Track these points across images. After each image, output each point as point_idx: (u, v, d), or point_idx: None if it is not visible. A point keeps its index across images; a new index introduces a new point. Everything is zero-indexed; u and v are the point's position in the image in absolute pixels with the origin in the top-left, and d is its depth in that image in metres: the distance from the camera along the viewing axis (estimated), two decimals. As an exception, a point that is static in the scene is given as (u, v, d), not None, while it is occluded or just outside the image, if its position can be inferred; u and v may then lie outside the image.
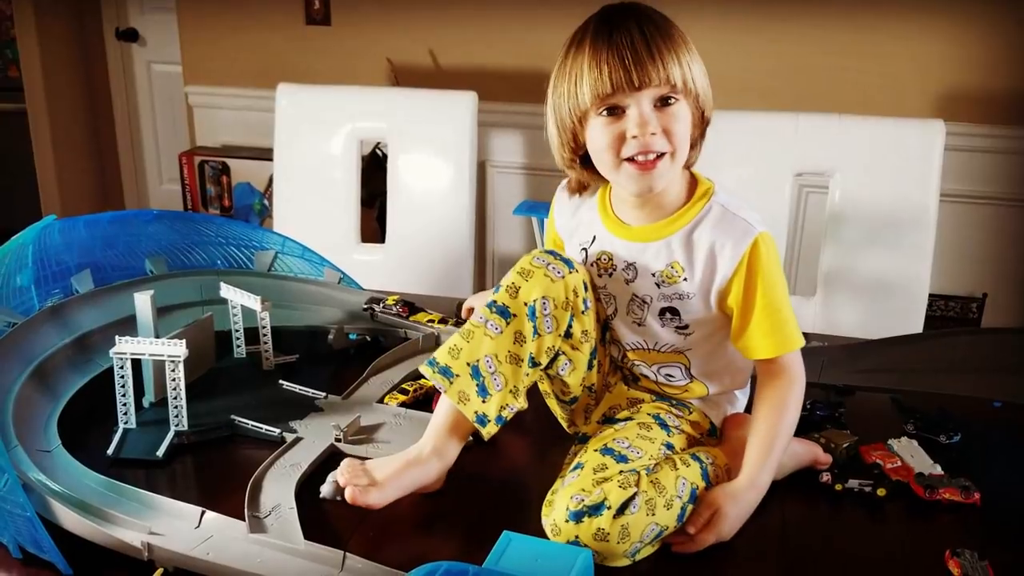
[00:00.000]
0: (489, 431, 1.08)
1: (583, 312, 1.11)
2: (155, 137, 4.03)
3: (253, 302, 1.34)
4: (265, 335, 1.37)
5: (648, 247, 1.10)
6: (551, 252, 1.11)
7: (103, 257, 1.41)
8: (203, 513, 1.01)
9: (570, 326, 1.10)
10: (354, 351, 1.49)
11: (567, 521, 0.95)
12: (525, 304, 1.06)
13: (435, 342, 1.48)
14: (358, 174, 2.15)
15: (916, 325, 1.83)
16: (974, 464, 1.16)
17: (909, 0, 2.52)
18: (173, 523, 1.00)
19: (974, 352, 1.32)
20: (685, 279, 1.08)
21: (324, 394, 1.31)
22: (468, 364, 1.06)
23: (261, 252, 1.56)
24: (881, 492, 1.09)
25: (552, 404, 1.21)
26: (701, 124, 1.09)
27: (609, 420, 1.15)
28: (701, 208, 1.08)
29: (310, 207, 2.16)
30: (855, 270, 1.85)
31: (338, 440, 1.19)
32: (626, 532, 0.94)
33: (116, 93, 4.02)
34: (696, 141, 1.10)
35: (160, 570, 0.86)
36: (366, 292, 1.59)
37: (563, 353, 1.12)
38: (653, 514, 0.96)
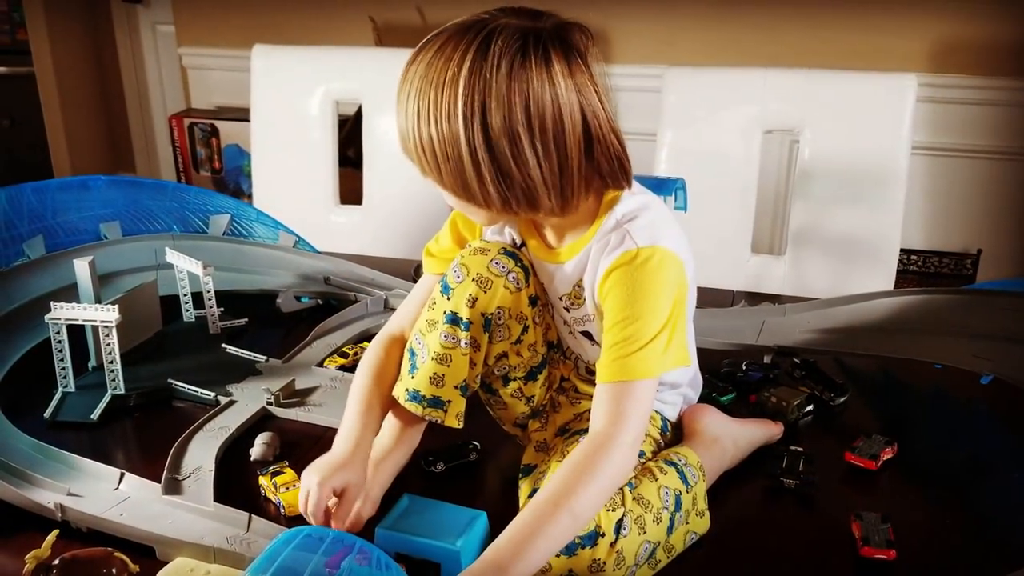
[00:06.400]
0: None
1: (535, 324, 1.04)
2: (162, 98, 4.05)
3: (196, 266, 1.36)
4: (210, 299, 1.39)
5: (558, 269, 1.01)
6: (509, 253, 1.01)
7: (56, 223, 1.43)
8: (122, 475, 1.03)
9: (522, 335, 1.03)
10: (306, 314, 1.50)
11: (558, 556, 0.87)
12: (483, 315, 1.00)
13: (383, 305, 1.49)
14: (335, 135, 2.14)
15: (887, 282, 1.81)
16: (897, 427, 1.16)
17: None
18: (93, 485, 1.03)
19: (916, 313, 1.30)
20: (585, 300, 1.00)
21: (265, 358, 1.33)
22: (456, 387, 1.02)
23: (216, 216, 1.57)
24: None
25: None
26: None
27: (564, 431, 1.07)
28: (600, 223, 0.97)
29: (288, 169, 2.16)
30: (825, 227, 1.83)
31: (269, 403, 1.21)
32: (621, 558, 0.88)
33: (123, 55, 4.04)
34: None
35: (55, 532, 0.88)
36: (322, 256, 1.61)
37: (507, 356, 1.04)
38: (644, 532, 0.91)
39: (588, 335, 1.03)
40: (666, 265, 0.93)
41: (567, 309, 1.03)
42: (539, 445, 1.07)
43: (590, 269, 0.97)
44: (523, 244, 1.04)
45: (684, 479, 0.98)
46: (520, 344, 1.04)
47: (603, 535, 0.88)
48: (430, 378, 1.01)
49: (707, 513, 0.99)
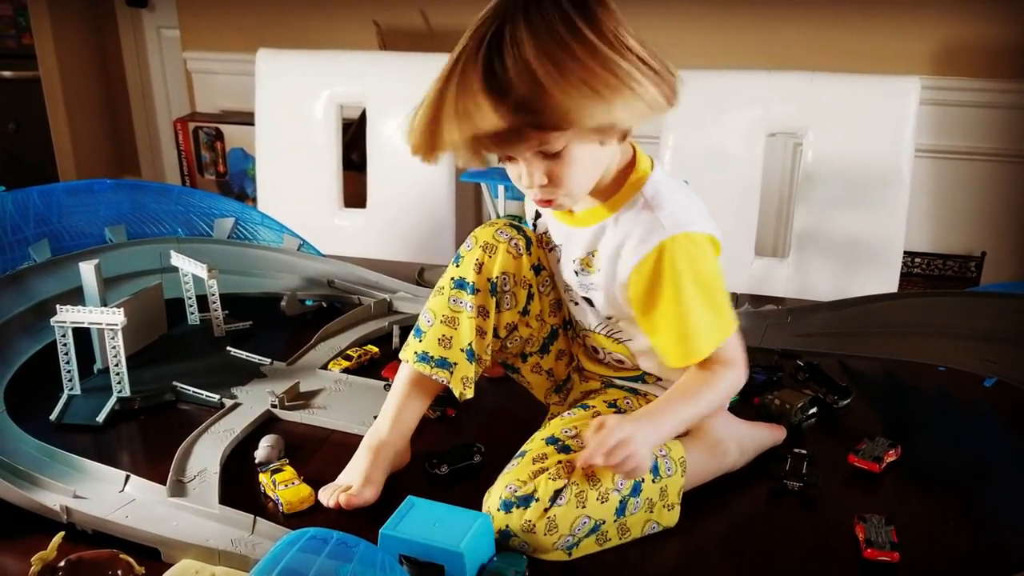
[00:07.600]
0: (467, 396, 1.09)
1: (540, 293, 1.11)
2: (167, 101, 4.06)
3: (200, 270, 1.37)
4: (214, 302, 1.40)
5: (573, 232, 1.05)
6: (514, 226, 1.10)
7: (61, 226, 1.44)
8: (128, 477, 1.04)
9: (528, 303, 1.10)
10: (310, 317, 1.51)
11: (499, 510, 0.93)
12: (488, 280, 1.08)
13: (387, 308, 1.50)
14: (339, 139, 2.15)
15: (891, 285, 1.81)
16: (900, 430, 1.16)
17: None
18: (99, 487, 1.03)
19: (919, 316, 1.30)
20: (599, 270, 1.03)
21: (270, 360, 1.34)
22: (462, 350, 1.07)
23: (221, 219, 1.58)
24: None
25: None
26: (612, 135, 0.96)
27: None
28: (629, 197, 1.00)
29: (292, 173, 2.17)
30: (829, 230, 1.83)
31: (274, 406, 1.21)
32: (553, 524, 0.91)
33: (128, 59, 4.05)
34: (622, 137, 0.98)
35: (61, 533, 0.89)
36: (326, 259, 1.61)
37: (518, 328, 1.11)
38: (584, 507, 0.93)
39: (589, 301, 1.07)
40: (698, 246, 0.98)
41: (576, 273, 1.06)
42: (553, 417, 1.14)
43: (610, 242, 1.01)
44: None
45: (655, 469, 0.98)
46: (528, 315, 1.11)
47: (537, 499, 0.92)
48: (438, 340, 1.07)
49: (677, 508, 1.00)
